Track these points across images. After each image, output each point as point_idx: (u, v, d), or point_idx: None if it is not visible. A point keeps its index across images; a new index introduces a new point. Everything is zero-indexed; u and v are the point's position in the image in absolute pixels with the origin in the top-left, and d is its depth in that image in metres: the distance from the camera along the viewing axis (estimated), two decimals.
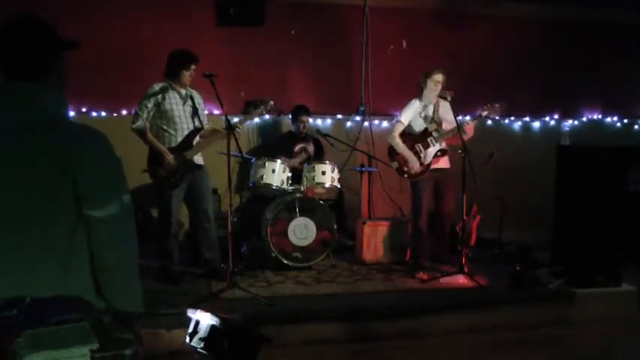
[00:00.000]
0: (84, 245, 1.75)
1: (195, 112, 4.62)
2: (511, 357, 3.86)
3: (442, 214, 5.18)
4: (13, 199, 1.67)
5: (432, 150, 4.96)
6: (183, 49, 4.56)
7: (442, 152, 5.00)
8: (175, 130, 4.54)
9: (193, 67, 4.52)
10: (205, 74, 4.27)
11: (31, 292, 1.66)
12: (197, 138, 4.62)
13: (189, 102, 4.61)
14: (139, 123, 4.48)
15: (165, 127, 4.54)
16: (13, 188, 1.67)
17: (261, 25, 6.03)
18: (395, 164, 5.04)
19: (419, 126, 5.00)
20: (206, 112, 4.95)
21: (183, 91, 4.60)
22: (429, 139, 4.94)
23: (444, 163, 5.08)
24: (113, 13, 5.75)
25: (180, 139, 4.55)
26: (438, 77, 4.90)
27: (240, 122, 4.66)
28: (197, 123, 4.63)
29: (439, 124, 4.96)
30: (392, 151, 5.05)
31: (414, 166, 4.92)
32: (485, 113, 4.91)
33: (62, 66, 1.84)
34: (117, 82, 5.73)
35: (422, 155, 4.95)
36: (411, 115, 5.01)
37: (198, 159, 4.67)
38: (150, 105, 4.50)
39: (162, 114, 4.52)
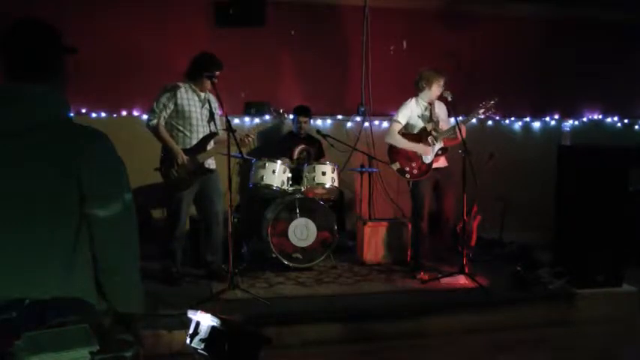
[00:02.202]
0: (86, 246, 1.75)
1: (211, 117, 4.58)
2: (511, 357, 3.85)
3: (444, 214, 5.15)
4: (14, 200, 1.66)
5: (434, 149, 4.95)
6: (209, 53, 4.50)
7: (443, 151, 4.99)
8: (191, 131, 4.51)
9: (217, 73, 4.45)
10: (207, 75, 4.25)
11: (31, 294, 1.66)
12: (212, 143, 4.59)
13: (207, 105, 4.58)
14: (156, 121, 4.42)
15: (181, 128, 4.50)
16: (14, 189, 1.66)
17: (261, 26, 6.03)
18: (396, 165, 5.00)
19: (417, 126, 4.98)
20: None
21: (202, 95, 4.57)
22: (429, 139, 4.93)
23: (443, 162, 5.07)
24: (113, 13, 5.75)
25: (194, 142, 4.51)
26: (441, 81, 4.90)
27: (253, 132, 4.69)
28: (213, 128, 4.60)
29: (437, 123, 4.96)
30: (392, 152, 5.02)
31: (426, 152, 4.90)
32: (481, 111, 4.89)
33: (63, 67, 1.84)
34: (117, 83, 5.73)
35: (423, 155, 4.93)
36: (408, 114, 4.99)
37: (211, 163, 4.65)
38: (168, 103, 4.44)
39: (179, 114, 4.47)
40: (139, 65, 5.65)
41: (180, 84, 4.50)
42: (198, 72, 4.46)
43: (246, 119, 6.15)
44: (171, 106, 4.45)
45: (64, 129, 1.73)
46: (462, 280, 4.71)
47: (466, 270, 4.67)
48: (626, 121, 7.35)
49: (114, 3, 5.77)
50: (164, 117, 4.45)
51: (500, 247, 5.75)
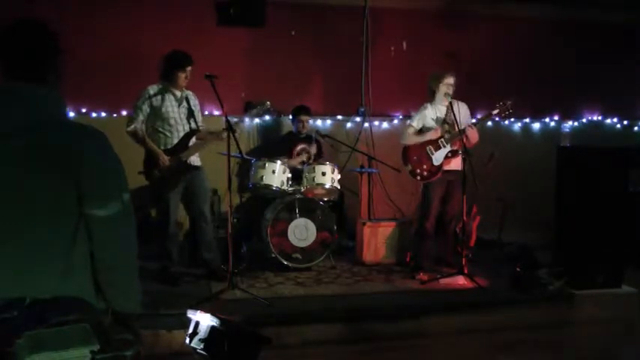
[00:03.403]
0: (85, 246, 1.75)
1: (190, 114, 4.60)
2: (511, 358, 3.85)
3: (448, 216, 5.15)
4: (13, 200, 1.66)
5: (443, 151, 4.93)
6: (178, 50, 4.52)
7: (453, 153, 4.96)
8: (171, 132, 4.53)
9: (189, 68, 4.49)
10: (207, 75, 4.26)
11: (31, 293, 1.66)
12: (193, 139, 4.61)
13: (184, 104, 4.59)
14: (134, 126, 4.46)
15: (160, 129, 4.52)
16: (13, 189, 1.66)
17: (261, 26, 6.03)
18: (408, 167, 5.00)
19: (431, 129, 4.98)
20: (206, 112, 4.96)
21: (178, 93, 4.58)
22: (439, 141, 4.93)
23: (455, 164, 5.02)
24: (113, 13, 5.75)
25: (175, 141, 4.54)
26: (450, 80, 4.91)
27: (236, 124, 4.65)
28: (193, 124, 4.61)
29: (451, 125, 4.94)
30: (405, 155, 5.03)
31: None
32: (495, 112, 4.89)
33: (61, 67, 1.85)
34: (117, 83, 5.72)
35: (433, 157, 4.93)
36: (423, 119, 5.01)
37: (195, 160, 4.66)
38: (144, 107, 4.48)
39: (157, 116, 4.50)
40: (138, 65, 5.64)
41: (155, 86, 4.53)
42: (170, 70, 4.49)
43: (246, 119, 6.14)
44: (148, 109, 4.48)
45: (63, 129, 1.73)
46: (461, 280, 4.71)
47: (465, 270, 4.68)
48: (625, 122, 7.35)
49: (114, 3, 5.77)
50: (142, 121, 4.49)
51: (500, 248, 5.74)
